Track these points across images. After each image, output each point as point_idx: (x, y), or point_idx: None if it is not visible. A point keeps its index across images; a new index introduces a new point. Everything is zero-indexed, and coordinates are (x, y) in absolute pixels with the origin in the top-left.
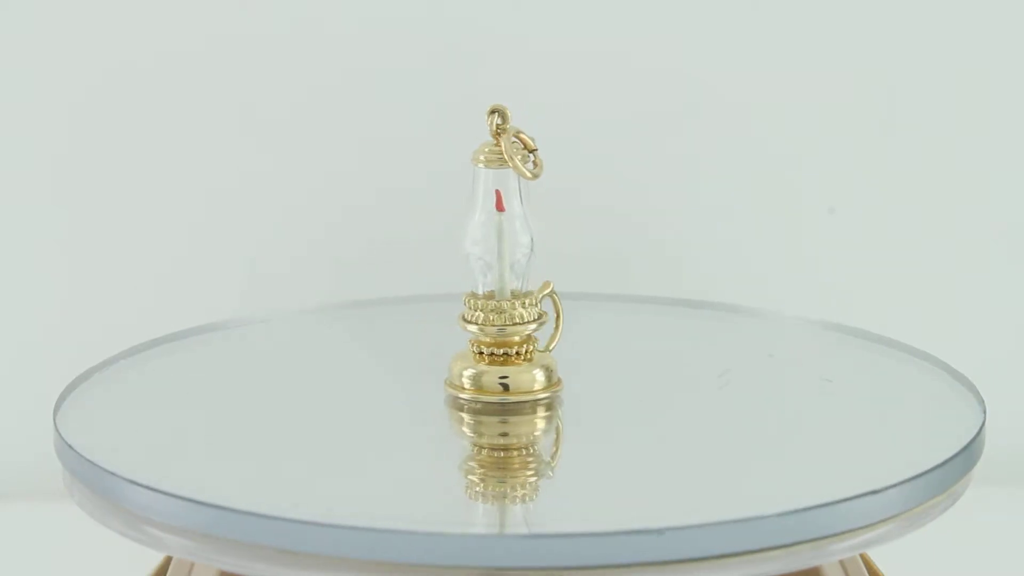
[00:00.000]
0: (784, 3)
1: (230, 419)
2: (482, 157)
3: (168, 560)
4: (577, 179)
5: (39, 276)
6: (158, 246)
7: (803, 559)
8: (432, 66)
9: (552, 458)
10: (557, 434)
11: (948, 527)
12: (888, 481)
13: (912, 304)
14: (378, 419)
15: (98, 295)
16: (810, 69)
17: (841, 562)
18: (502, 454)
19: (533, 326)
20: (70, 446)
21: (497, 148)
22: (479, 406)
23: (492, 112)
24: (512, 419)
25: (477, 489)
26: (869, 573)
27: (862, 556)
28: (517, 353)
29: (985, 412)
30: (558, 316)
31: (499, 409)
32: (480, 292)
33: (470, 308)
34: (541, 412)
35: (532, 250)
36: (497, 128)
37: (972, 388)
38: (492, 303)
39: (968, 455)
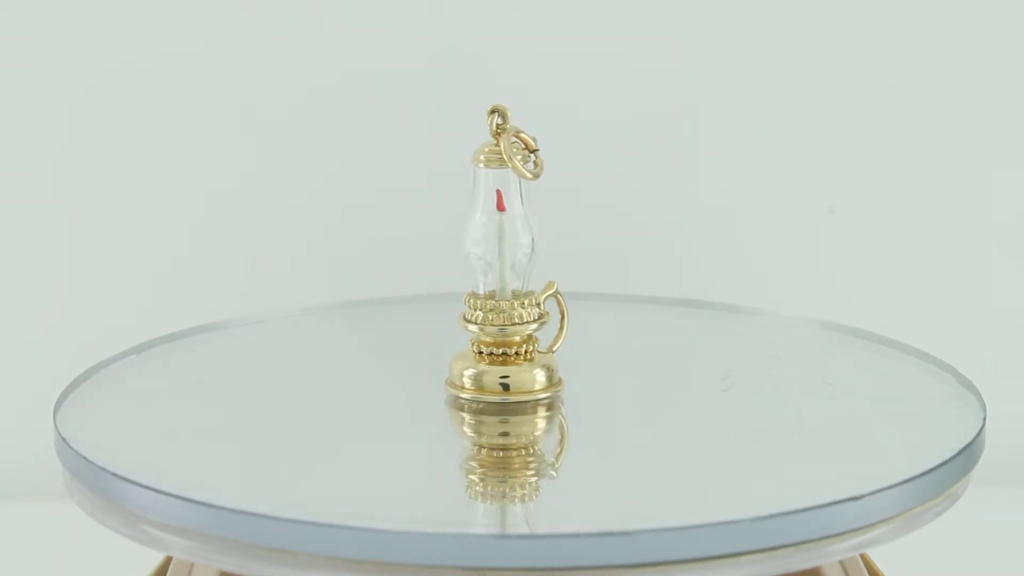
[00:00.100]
0: (784, 3)
1: (230, 419)
2: (482, 157)
3: (168, 560)
4: (577, 179)
5: (39, 276)
6: (158, 246)
7: (803, 559)
8: (432, 66)
9: (554, 458)
10: (561, 434)
11: (948, 527)
12: (888, 481)
13: (912, 304)
14: (378, 419)
15: (98, 295)
16: (810, 69)
17: (841, 562)
18: (502, 454)
19: (534, 326)
20: (70, 446)
21: (497, 148)
22: (480, 406)
23: (492, 112)
24: (513, 419)
25: (477, 489)
26: (869, 573)
27: (862, 556)
28: (517, 353)
29: (985, 412)
30: (562, 317)
31: (500, 409)
32: (481, 292)
33: (471, 308)
34: (542, 412)
35: (533, 250)
36: (497, 128)
37: (972, 388)
38: (493, 303)
39: (968, 455)
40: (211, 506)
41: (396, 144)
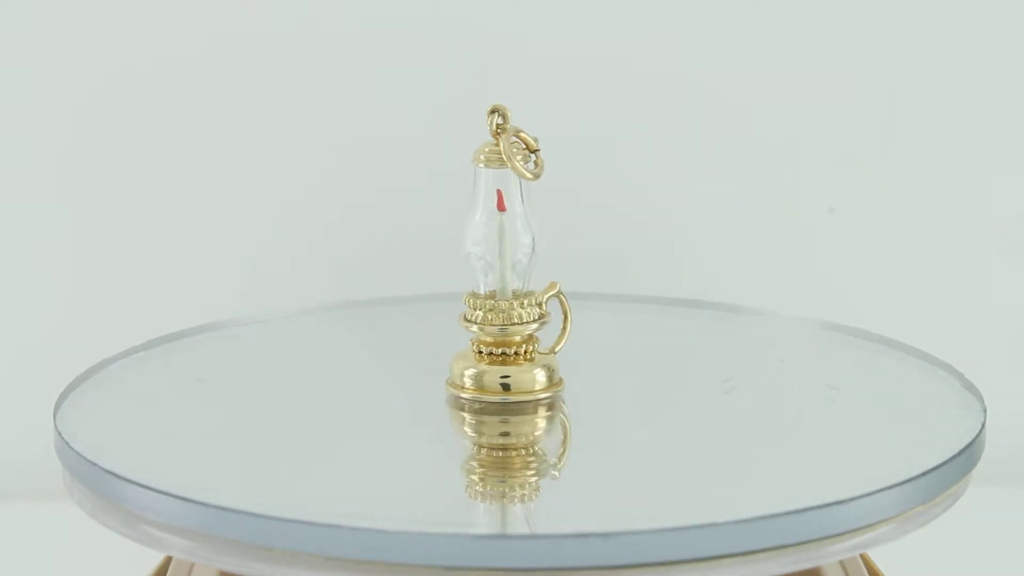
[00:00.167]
0: (784, 3)
1: (230, 419)
2: (483, 157)
3: (168, 560)
4: (577, 179)
5: (39, 276)
6: (158, 246)
7: (803, 559)
8: (432, 66)
9: (557, 459)
10: (564, 435)
11: (948, 527)
12: (888, 481)
13: (912, 304)
14: (378, 419)
15: (98, 295)
16: (810, 69)
17: (841, 562)
18: (503, 454)
19: (534, 326)
20: (70, 446)
21: (498, 148)
22: (480, 406)
23: (492, 112)
24: (513, 419)
25: (478, 489)
26: (869, 573)
27: (862, 556)
28: (517, 353)
29: (985, 412)
30: (565, 317)
31: (500, 409)
32: (481, 292)
33: (471, 308)
34: (542, 412)
35: (533, 250)
36: (497, 128)
37: (972, 388)
38: (493, 303)
39: (968, 455)
40: (211, 506)
41: (396, 144)
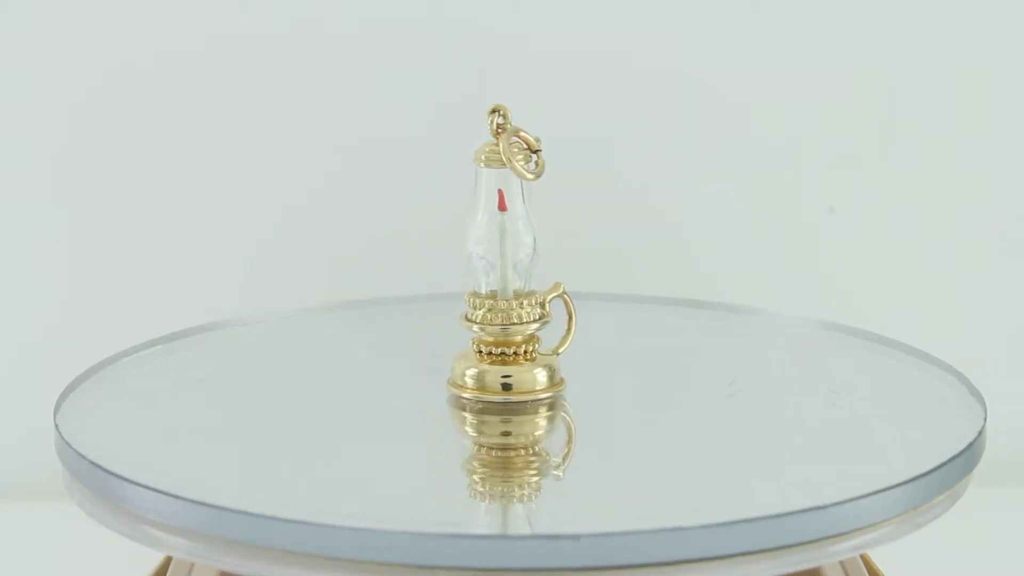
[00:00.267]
0: (784, 3)
1: (230, 419)
2: (484, 157)
3: (168, 560)
4: (577, 179)
5: (39, 276)
6: (158, 246)
7: (803, 559)
8: (432, 66)
9: (562, 459)
10: (568, 435)
11: (948, 527)
12: (889, 482)
13: (912, 304)
14: (379, 419)
15: (98, 295)
16: (810, 69)
17: (841, 562)
18: (504, 454)
19: (535, 326)
20: (70, 446)
21: (499, 148)
22: (481, 406)
23: (493, 111)
24: (515, 419)
25: (479, 489)
26: (869, 573)
27: (862, 556)
28: (518, 353)
29: (986, 412)
30: (570, 318)
31: (501, 409)
32: (483, 292)
33: (472, 307)
34: (543, 412)
35: (535, 250)
36: (498, 128)
37: (972, 388)
38: (494, 303)
39: (969, 456)
40: (211, 506)
41: (396, 144)
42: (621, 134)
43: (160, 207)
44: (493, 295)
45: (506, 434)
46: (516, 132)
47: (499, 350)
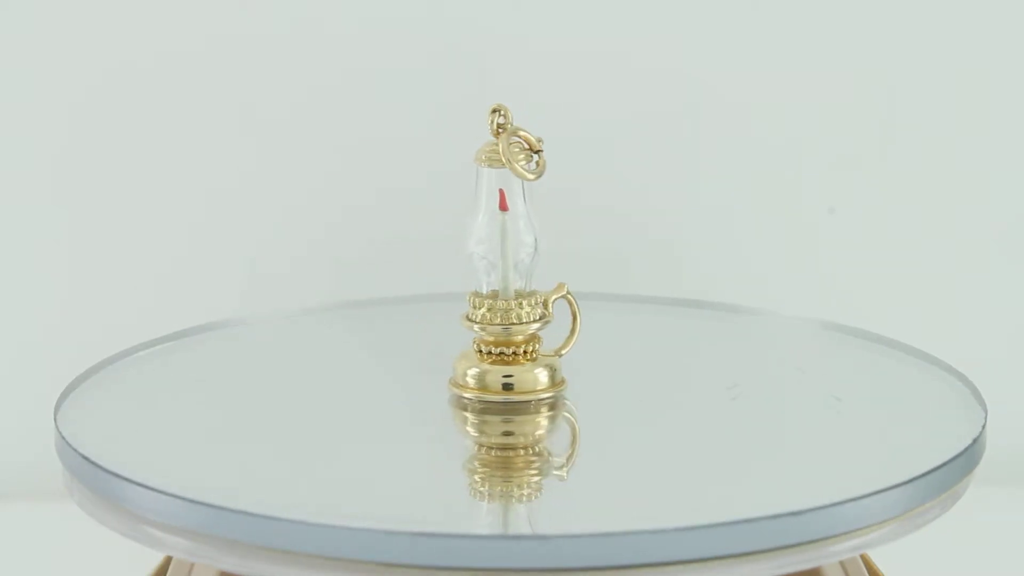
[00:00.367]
0: (784, 3)
1: (230, 419)
2: (485, 157)
3: (168, 560)
4: (577, 179)
5: (39, 276)
6: (158, 246)
7: (803, 559)
8: (432, 66)
9: (566, 459)
10: (572, 435)
11: (948, 527)
12: (889, 482)
13: (912, 304)
14: (379, 419)
15: (98, 295)
16: (810, 69)
17: (841, 562)
18: (504, 453)
19: (537, 325)
20: (70, 446)
21: (506, 146)
22: (482, 405)
23: (494, 111)
24: (516, 419)
25: (480, 489)
26: (869, 573)
27: (862, 556)
28: (517, 353)
29: (986, 412)
30: (574, 319)
31: (503, 408)
32: (484, 292)
33: (474, 307)
34: (545, 412)
35: (536, 250)
36: (498, 127)
37: (973, 388)
38: (496, 302)
39: (969, 456)
40: (211, 506)
41: (396, 144)
42: (621, 134)
43: (160, 207)
44: (494, 295)
45: (507, 434)
46: (516, 132)
47: (499, 350)
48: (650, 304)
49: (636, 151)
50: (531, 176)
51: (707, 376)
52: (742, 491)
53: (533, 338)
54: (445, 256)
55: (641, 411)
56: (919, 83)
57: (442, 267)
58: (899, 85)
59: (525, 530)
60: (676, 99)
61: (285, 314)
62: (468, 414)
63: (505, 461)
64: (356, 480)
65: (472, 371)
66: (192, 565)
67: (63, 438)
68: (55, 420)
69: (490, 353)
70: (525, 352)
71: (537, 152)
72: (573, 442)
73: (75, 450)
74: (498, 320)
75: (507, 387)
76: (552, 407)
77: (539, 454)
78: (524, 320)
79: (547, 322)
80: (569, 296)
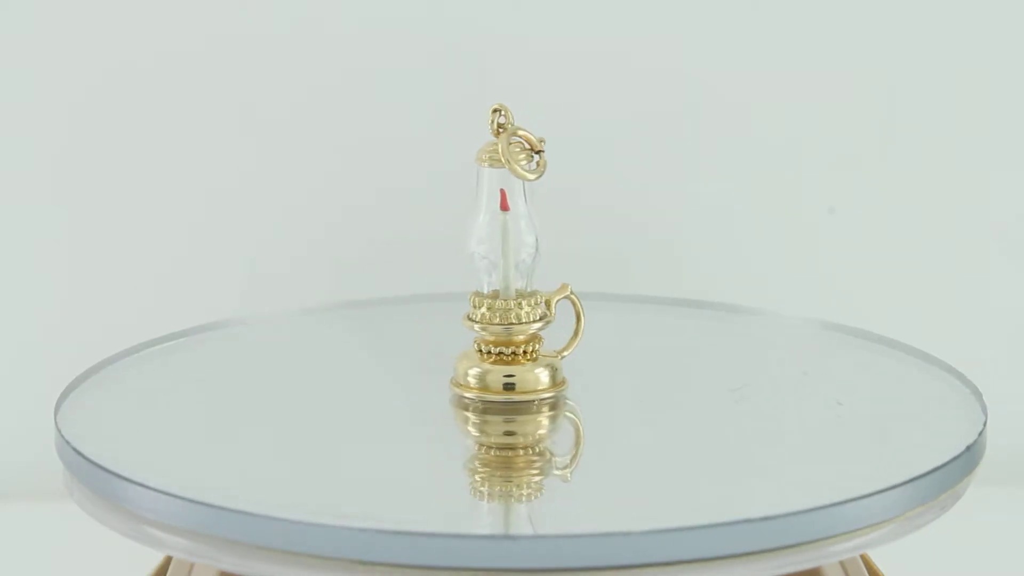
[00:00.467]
0: (784, 3)
1: (230, 419)
2: (486, 156)
3: (168, 560)
4: (577, 179)
5: (39, 276)
6: (158, 246)
7: (803, 559)
8: (432, 66)
9: (569, 459)
10: (576, 435)
11: (948, 527)
12: (889, 482)
13: (912, 304)
14: (380, 418)
15: (98, 295)
16: (810, 69)
17: (841, 562)
18: (504, 453)
19: (538, 325)
20: (71, 445)
21: (505, 146)
22: (484, 405)
23: (495, 111)
24: (517, 419)
25: (482, 489)
26: (869, 573)
27: (862, 556)
28: (517, 353)
29: (986, 413)
30: (578, 320)
31: (504, 408)
32: (485, 292)
33: (475, 307)
34: (546, 411)
35: (537, 249)
36: (498, 127)
37: (973, 388)
38: (497, 302)
39: (970, 456)
40: (211, 506)
41: (396, 144)
42: (621, 134)
43: (160, 207)
44: (495, 295)
45: (509, 434)
46: (516, 131)
47: (498, 349)
48: (650, 304)
49: (636, 151)
50: (531, 176)
51: (707, 376)
52: (742, 491)
53: (534, 338)
54: (445, 256)
55: (641, 411)
56: (919, 83)
57: (442, 267)
58: (899, 85)
59: (526, 530)
60: (676, 99)
61: (285, 314)
62: (469, 414)
63: (506, 461)
64: (356, 480)
65: (473, 371)
66: (192, 565)
67: (63, 438)
68: (55, 420)
69: (491, 353)
70: (525, 352)
71: (538, 152)
72: (575, 442)
73: (75, 450)
74: (498, 320)
75: (508, 387)
76: (553, 407)
77: (540, 454)
78: (524, 320)
79: (548, 322)
80: (573, 296)
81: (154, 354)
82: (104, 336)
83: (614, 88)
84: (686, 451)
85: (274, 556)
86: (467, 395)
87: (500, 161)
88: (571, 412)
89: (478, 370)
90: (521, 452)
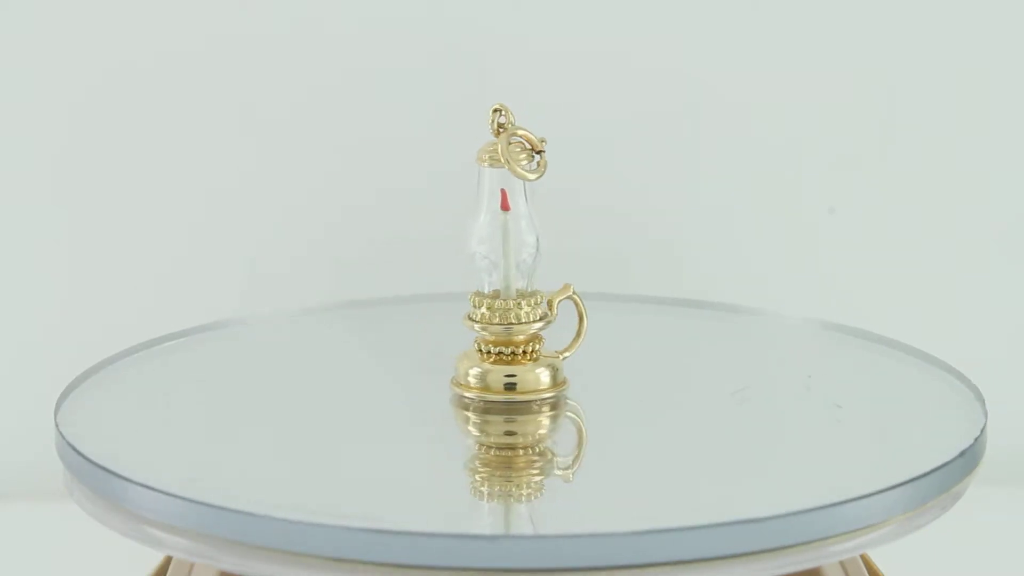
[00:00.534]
0: (784, 3)
1: (230, 419)
2: (487, 156)
3: (168, 560)
4: (577, 179)
5: (39, 276)
6: (158, 246)
7: (803, 559)
8: (432, 66)
9: (571, 460)
10: (578, 435)
11: (948, 527)
12: (889, 482)
13: (912, 304)
14: (381, 418)
15: (98, 295)
16: (810, 69)
17: (841, 562)
18: (505, 453)
19: (539, 325)
20: (71, 445)
21: (504, 147)
22: (484, 405)
23: (496, 111)
24: (518, 418)
25: (482, 489)
26: (869, 573)
27: (862, 556)
28: (516, 352)
29: (986, 413)
30: (581, 320)
31: (505, 408)
32: (485, 291)
33: (475, 307)
34: (547, 411)
35: (538, 249)
36: (499, 127)
37: (973, 388)
38: (497, 302)
39: (969, 456)
40: (211, 506)
41: (396, 144)
42: (621, 134)
43: (160, 207)
44: (496, 295)
45: (509, 434)
46: (513, 132)
47: (498, 349)
48: (650, 304)
49: (636, 151)
50: (530, 176)
51: (707, 376)
52: (742, 491)
53: (534, 338)
54: (445, 256)
55: (642, 411)
56: (919, 83)
57: (442, 267)
58: (899, 85)
59: (526, 530)
60: (676, 99)
61: (285, 314)
62: (470, 414)
63: (506, 461)
64: (356, 480)
65: (474, 371)
66: (192, 565)
67: (63, 438)
68: (55, 420)
69: (491, 353)
70: (525, 352)
71: (539, 152)
72: (576, 442)
73: (75, 450)
74: (498, 320)
75: (509, 387)
76: (554, 407)
77: (541, 454)
78: (523, 320)
79: (549, 322)
80: (575, 297)
81: (154, 354)
82: (104, 336)
83: (614, 88)
84: (686, 451)
85: (274, 556)
86: (468, 395)
87: (500, 161)
88: (572, 412)
89: (479, 370)
90: (521, 452)
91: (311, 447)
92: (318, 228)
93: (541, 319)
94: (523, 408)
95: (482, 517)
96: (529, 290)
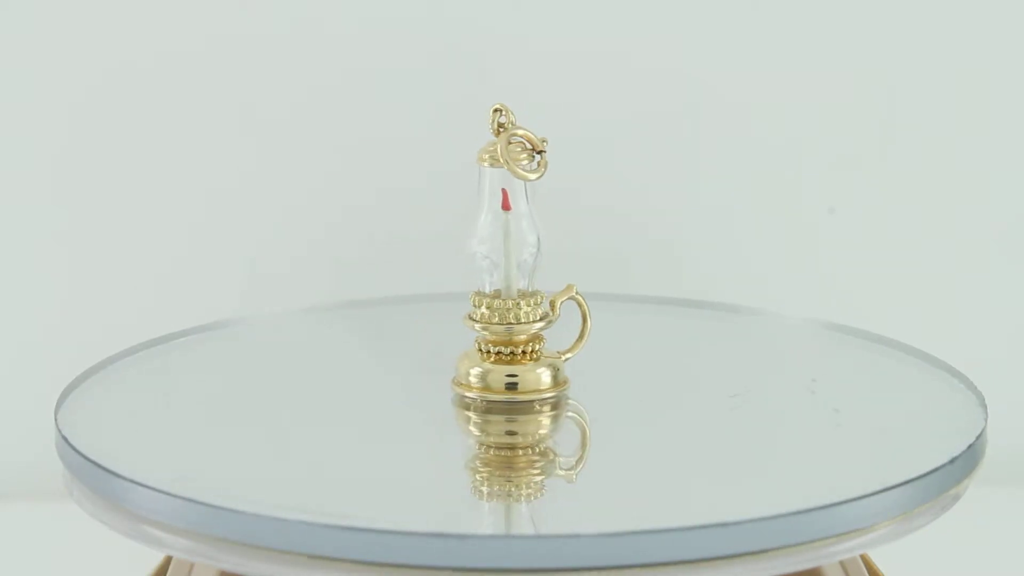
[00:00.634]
0: (784, 3)
1: (231, 419)
2: (487, 156)
3: (168, 560)
4: (577, 179)
5: (39, 276)
6: (158, 246)
7: (803, 559)
8: (432, 66)
9: (574, 460)
10: (581, 435)
11: (948, 527)
12: (889, 482)
13: (912, 304)
14: (381, 418)
15: (98, 295)
16: (810, 69)
17: (841, 562)
18: (506, 453)
19: (540, 325)
20: (71, 445)
21: (504, 147)
22: (486, 405)
23: (496, 111)
24: (519, 418)
25: (483, 489)
26: (869, 573)
27: (862, 556)
28: (514, 352)
29: (986, 412)
30: (584, 321)
31: (506, 408)
32: (486, 291)
33: (475, 307)
34: (548, 411)
35: (539, 249)
36: (499, 127)
37: (973, 388)
38: (497, 302)
39: (969, 456)
40: (211, 506)
41: (396, 144)
42: (621, 134)
43: (160, 207)
44: (496, 294)
45: (511, 433)
46: (513, 132)
47: (498, 349)
48: (650, 304)
49: (636, 151)
50: (529, 176)
51: (707, 376)
52: (742, 491)
53: (535, 338)
54: (446, 256)
55: (642, 411)
56: (919, 83)
57: (443, 267)
58: (899, 85)
59: (527, 530)
60: (676, 99)
61: (285, 314)
62: (471, 414)
63: (507, 461)
64: (357, 480)
65: (475, 370)
66: (192, 565)
67: (63, 438)
68: (55, 420)
69: (491, 352)
70: (526, 352)
71: (540, 152)
72: (576, 442)
73: (75, 450)
74: (498, 320)
75: (511, 387)
76: (555, 407)
77: (542, 454)
78: (524, 320)
79: (550, 322)
80: (578, 297)
81: (154, 354)
82: (104, 336)
83: (614, 88)
84: (686, 451)
85: (274, 556)
86: (468, 395)
87: (500, 161)
88: (573, 412)
89: (480, 370)
90: (522, 452)
91: (311, 447)
92: (318, 228)
93: (542, 319)
94: (524, 408)
95: (482, 517)
96: (530, 290)
